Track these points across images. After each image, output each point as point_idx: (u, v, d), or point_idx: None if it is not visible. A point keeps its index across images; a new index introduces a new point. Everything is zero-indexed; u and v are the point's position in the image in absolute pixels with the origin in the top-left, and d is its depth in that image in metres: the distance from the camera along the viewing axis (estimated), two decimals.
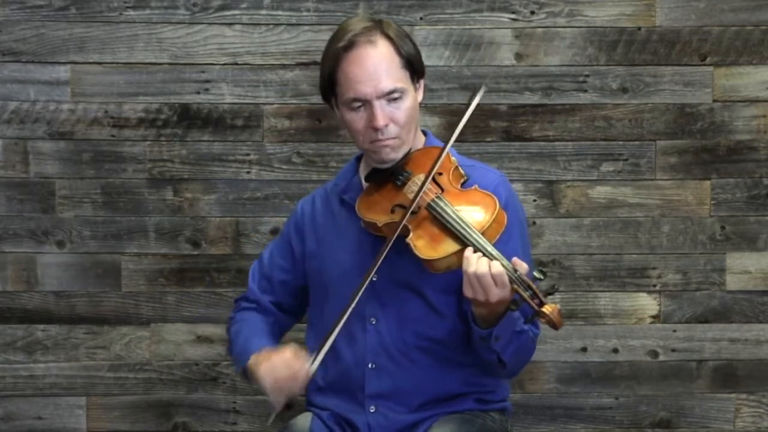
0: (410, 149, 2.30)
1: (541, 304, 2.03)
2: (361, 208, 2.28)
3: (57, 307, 3.15)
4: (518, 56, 3.14)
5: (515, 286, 2.05)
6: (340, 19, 3.07)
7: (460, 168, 2.26)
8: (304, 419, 2.37)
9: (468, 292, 2.08)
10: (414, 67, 2.28)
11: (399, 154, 2.28)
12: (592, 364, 3.19)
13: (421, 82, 2.33)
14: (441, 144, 2.35)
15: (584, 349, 3.19)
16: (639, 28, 3.14)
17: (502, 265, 2.06)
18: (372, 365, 2.30)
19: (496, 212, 2.13)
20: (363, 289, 2.18)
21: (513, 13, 3.14)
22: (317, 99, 3.11)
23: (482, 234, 2.10)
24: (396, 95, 2.23)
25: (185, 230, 3.16)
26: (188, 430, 3.18)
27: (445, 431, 2.23)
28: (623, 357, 3.19)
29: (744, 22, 3.14)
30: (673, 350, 3.19)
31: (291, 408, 2.24)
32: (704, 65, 3.15)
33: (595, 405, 3.19)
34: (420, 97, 2.32)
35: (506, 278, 2.05)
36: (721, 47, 3.14)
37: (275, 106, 3.15)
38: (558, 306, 2.04)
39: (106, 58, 3.12)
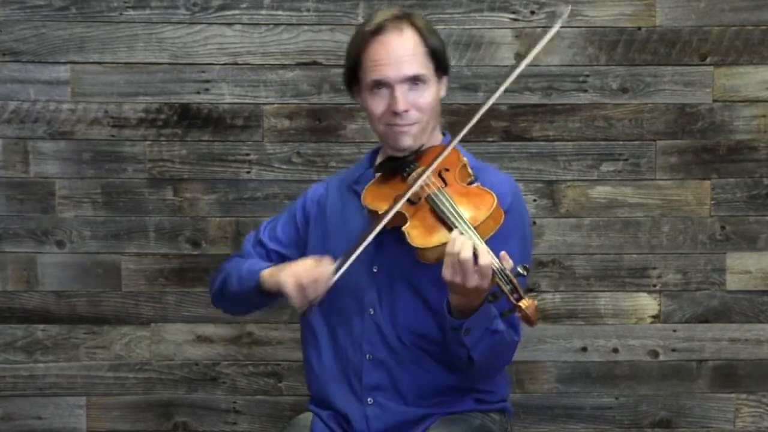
0: (423, 144, 2.31)
1: (520, 298, 2.03)
2: (366, 196, 2.29)
3: (57, 307, 3.15)
4: (518, 56, 3.13)
5: (497, 280, 2.05)
6: (340, 19, 3.09)
7: (468, 167, 2.27)
8: (305, 419, 2.38)
9: (447, 273, 2.07)
10: (439, 61, 2.30)
11: (415, 143, 2.29)
12: (592, 364, 3.19)
13: (444, 79, 2.34)
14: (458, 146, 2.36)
15: (584, 349, 3.18)
16: (639, 28, 3.14)
17: (489, 257, 2.06)
18: (369, 356, 2.30)
19: (493, 208, 2.13)
20: (377, 230, 2.19)
21: (513, 13, 3.13)
22: (317, 99, 3.13)
23: (476, 228, 2.10)
24: (418, 82, 2.26)
25: (185, 230, 3.16)
26: (188, 430, 3.18)
27: None
28: (623, 357, 3.19)
29: (744, 22, 3.14)
30: (673, 350, 3.18)
31: (307, 314, 2.27)
32: (704, 65, 3.15)
33: (595, 405, 3.19)
34: (443, 93, 2.34)
35: (490, 270, 2.05)
36: (721, 47, 3.14)
37: (275, 106, 3.15)
38: (536, 303, 2.03)
39: (106, 58, 3.12)
